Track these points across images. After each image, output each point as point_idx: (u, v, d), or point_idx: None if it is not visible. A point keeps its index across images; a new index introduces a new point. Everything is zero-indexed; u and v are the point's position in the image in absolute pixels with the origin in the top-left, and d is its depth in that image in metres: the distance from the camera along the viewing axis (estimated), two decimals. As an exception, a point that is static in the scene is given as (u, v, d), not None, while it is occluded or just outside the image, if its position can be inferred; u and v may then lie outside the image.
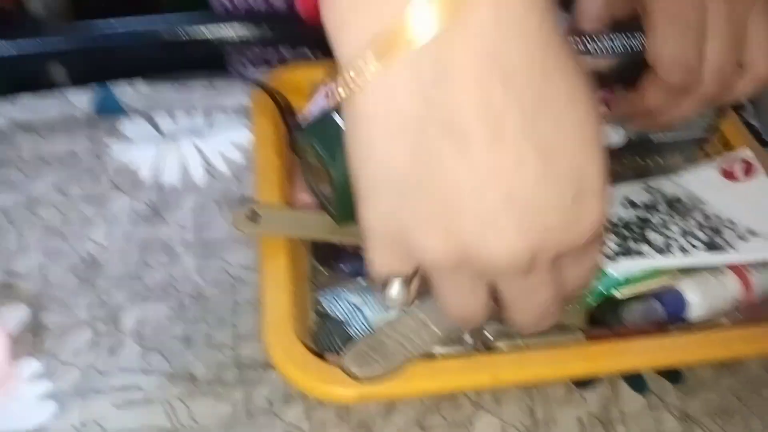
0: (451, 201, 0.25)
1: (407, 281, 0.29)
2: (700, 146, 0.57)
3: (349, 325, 0.47)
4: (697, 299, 0.48)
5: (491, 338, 0.47)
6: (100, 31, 0.65)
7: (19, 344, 0.49)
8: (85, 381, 0.48)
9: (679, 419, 0.49)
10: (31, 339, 0.50)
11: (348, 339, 0.47)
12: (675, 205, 0.52)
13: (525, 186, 0.24)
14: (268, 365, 0.49)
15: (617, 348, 0.44)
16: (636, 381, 0.51)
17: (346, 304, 0.47)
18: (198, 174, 0.61)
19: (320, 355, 0.43)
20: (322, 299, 0.48)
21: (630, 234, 0.49)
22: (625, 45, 0.43)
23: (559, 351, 0.44)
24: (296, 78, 0.59)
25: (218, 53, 0.84)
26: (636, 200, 0.52)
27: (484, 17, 0.23)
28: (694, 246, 0.48)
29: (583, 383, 0.50)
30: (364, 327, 0.46)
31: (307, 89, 0.57)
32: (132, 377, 0.48)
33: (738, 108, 0.73)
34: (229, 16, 0.65)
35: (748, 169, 0.51)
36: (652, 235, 0.49)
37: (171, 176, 0.61)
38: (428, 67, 0.24)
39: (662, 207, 0.51)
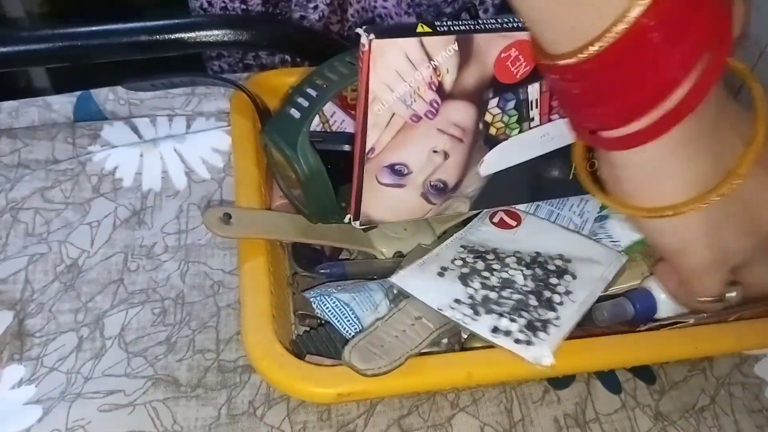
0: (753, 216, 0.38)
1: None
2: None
3: (341, 323, 0.48)
4: (666, 298, 0.49)
5: (464, 337, 0.48)
6: (80, 36, 0.65)
7: (3, 350, 0.50)
8: (69, 386, 0.48)
9: (653, 418, 0.51)
10: (16, 345, 0.50)
11: (343, 341, 0.47)
12: (487, 258, 0.50)
13: None
14: (250, 368, 0.50)
15: (588, 345, 0.45)
16: (611, 381, 0.52)
17: (336, 302, 0.48)
18: (179, 179, 0.62)
19: (300, 357, 0.44)
20: (311, 299, 0.49)
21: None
22: None
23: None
24: (275, 82, 0.60)
25: (198, 58, 0.84)
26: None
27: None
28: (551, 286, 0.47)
29: (559, 383, 0.51)
30: (355, 324, 0.47)
31: (285, 93, 0.58)
32: (116, 382, 0.49)
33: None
34: (208, 21, 0.66)
35: (514, 216, 0.53)
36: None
37: (152, 181, 0.61)
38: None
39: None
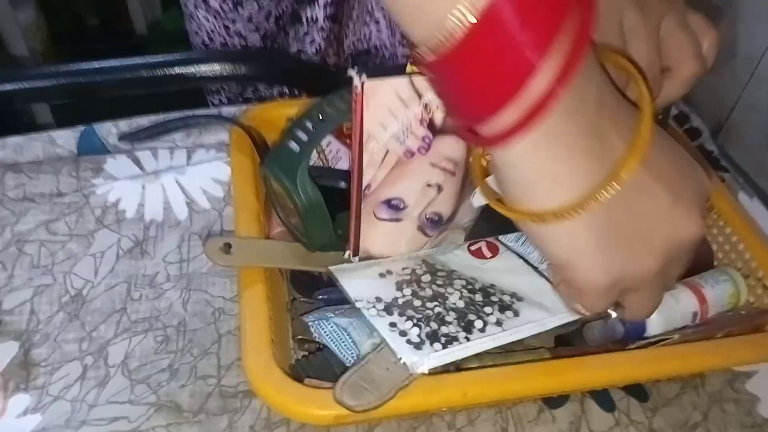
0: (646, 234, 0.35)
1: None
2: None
3: (338, 347, 0.49)
4: (656, 316, 0.50)
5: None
6: (84, 73, 0.67)
7: (9, 380, 0.51)
8: (74, 414, 0.49)
9: (647, 435, 0.51)
10: (21, 374, 0.52)
11: (340, 365, 0.49)
12: (438, 274, 0.51)
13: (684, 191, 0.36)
14: (250, 393, 0.51)
15: (580, 363, 0.46)
16: (604, 399, 0.53)
17: (333, 326, 0.49)
18: (180, 209, 0.63)
19: (299, 380, 0.45)
20: (309, 323, 0.50)
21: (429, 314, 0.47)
22: None
23: (525, 367, 0.46)
24: (272, 115, 0.62)
25: (199, 91, 0.87)
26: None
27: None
28: (489, 313, 0.47)
29: (553, 403, 0.52)
30: (351, 348, 0.48)
31: (282, 125, 0.60)
32: (120, 409, 0.50)
33: (696, 136, 0.77)
34: (207, 56, 0.68)
35: (493, 248, 0.54)
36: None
37: (154, 212, 0.63)
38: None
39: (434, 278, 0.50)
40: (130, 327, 0.55)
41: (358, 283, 0.49)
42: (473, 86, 0.31)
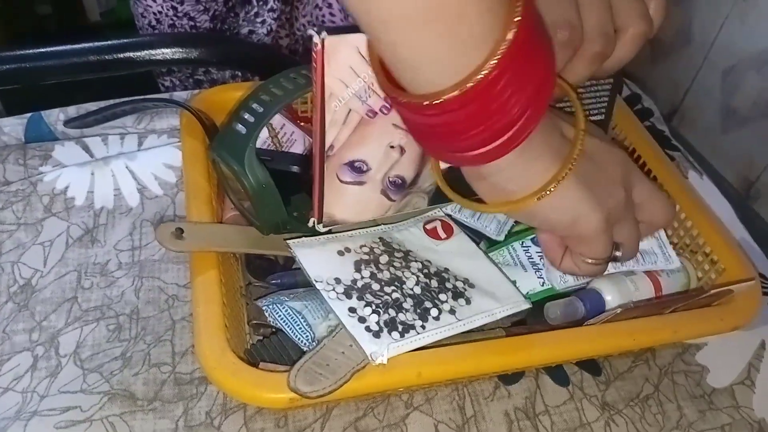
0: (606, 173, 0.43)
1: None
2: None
3: (293, 331, 0.49)
4: (613, 298, 0.51)
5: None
6: (30, 58, 0.65)
7: (-45, 372, 0.50)
8: (25, 405, 0.49)
9: (600, 408, 0.52)
10: (-32, 367, 0.50)
11: (296, 348, 0.49)
12: (395, 255, 0.51)
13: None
14: (205, 380, 0.51)
15: (533, 341, 0.47)
16: (558, 374, 0.54)
17: (288, 310, 0.49)
18: (132, 196, 0.62)
19: (254, 365, 0.45)
20: (264, 307, 0.50)
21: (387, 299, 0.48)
22: None
23: (479, 346, 0.46)
24: (223, 98, 0.61)
25: (149, 74, 0.85)
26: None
27: None
28: (443, 301, 0.48)
29: (509, 379, 0.53)
30: (306, 332, 0.48)
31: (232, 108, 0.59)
32: (73, 398, 0.49)
33: (647, 116, 0.78)
34: (158, 40, 0.67)
35: (447, 228, 0.55)
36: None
37: (105, 199, 0.62)
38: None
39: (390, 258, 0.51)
40: (81, 316, 0.54)
41: (317, 259, 0.48)
42: (468, 127, 0.37)
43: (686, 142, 0.77)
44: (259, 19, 0.80)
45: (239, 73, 0.82)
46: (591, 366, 0.54)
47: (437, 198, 0.53)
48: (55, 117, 0.68)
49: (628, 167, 0.45)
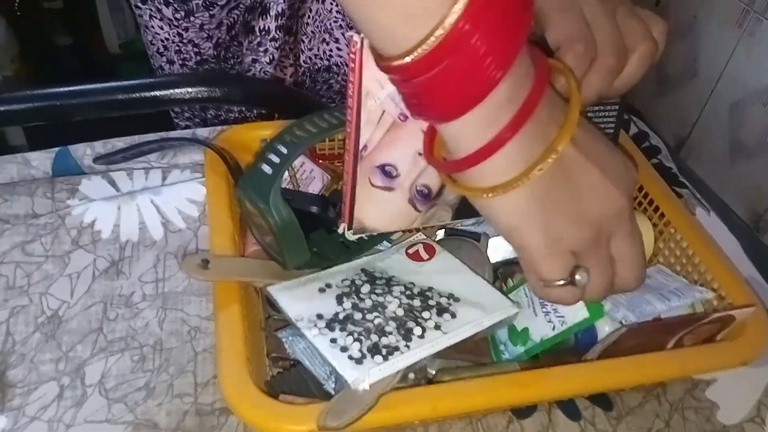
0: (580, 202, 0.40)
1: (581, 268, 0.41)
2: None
3: (312, 364, 0.50)
4: (607, 329, 0.52)
5: (433, 373, 0.51)
6: (60, 96, 0.68)
7: (-14, 401, 0.52)
8: (51, 433, 0.50)
9: (611, 442, 0.53)
10: (-2, 395, 0.52)
11: (314, 379, 0.50)
12: (377, 283, 0.52)
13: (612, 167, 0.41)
14: (227, 411, 0.52)
15: (546, 375, 0.48)
16: (570, 409, 0.55)
17: (307, 343, 0.50)
18: (156, 229, 0.64)
19: (274, 396, 0.46)
20: (283, 339, 0.51)
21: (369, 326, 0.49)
22: None
23: (492, 380, 0.48)
24: (245, 137, 0.63)
25: (171, 114, 0.88)
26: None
27: None
28: (425, 318, 0.49)
29: (522, 413, 0.54)
30: (325, 364, 0.50)
31: (256, 146, 0.62)
32: (97, 428, 0.51)
33: (654, 153, 0.80)
34: (183, 80, 0.69)
35: (429, 250, 0.57)
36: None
37: (130, 232, 0.64)
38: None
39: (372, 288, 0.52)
40: (106, 347, 0.56)
41: (298, 299, 0.50)
42: (439, 92, 0.36)
43: (694, 175, 0.78)
44: (261, 48, 0.82)
45: (245, 112, 0.85)
46: (603, 401, 0.55)
47: (462, 211, 0.54)
48: (82, 152, 0.70)
49: (618, 214, 0.41)
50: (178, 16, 0.80)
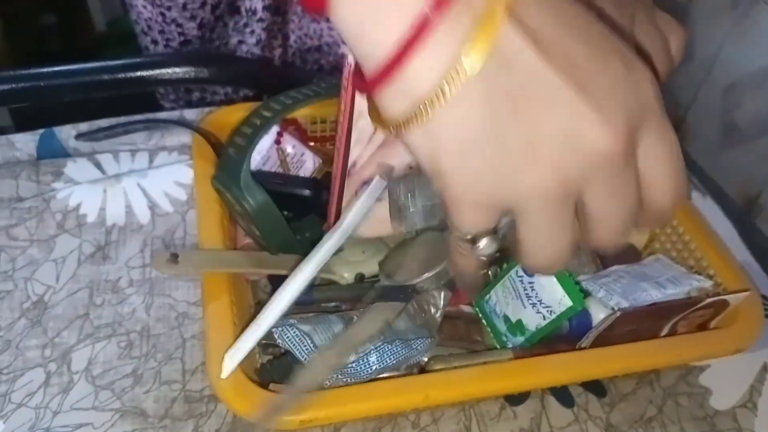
0: (531, 136, 0.27)
1: (493, 235, 0.32)
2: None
3: (301, 353, 0.49)
4: (601, 315, 0.52)
5: (425, 360, 0.50)
6: (44, 77, 0.66)
7: (-31, 389, 0.51)
8: (38, 421, 0.49)
9: (605, 429, 0.53)
10: (-18, 383, 0.51)
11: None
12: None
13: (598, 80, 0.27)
14: (215, 398, 0.51)
15: (538, 364, 0.48)
16: (563, 396, 0.54)
17: (296, 332, 0.50)
18: (143, 213, 0.63)
19: (264, 385, 0.46)
20: (273, 329, 0.50)
21: None
22: None
23: (485, 369, 0.47)
24: (233, 119, 0.61)
25: (157, 95, 0.86)
26: None
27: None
28: None
29: (514, 400, 0.54)
30: (314, 353, 0.49)
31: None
32: (84, 415, 0.50)
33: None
34: (169, 59, 0.68)
35: None
36: None
37: (116, 216, 0.63)
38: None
39: None
40: (93, 333, 0.55)
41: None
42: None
43: (688, 157, 0.77)
44: (248, 29, 0.81)
45: (231, 93, 0.83)
46: (596, 387, 0.55)
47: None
48: (67, 133, 0.69)
49: (602, 166, 0.28)
50: None
